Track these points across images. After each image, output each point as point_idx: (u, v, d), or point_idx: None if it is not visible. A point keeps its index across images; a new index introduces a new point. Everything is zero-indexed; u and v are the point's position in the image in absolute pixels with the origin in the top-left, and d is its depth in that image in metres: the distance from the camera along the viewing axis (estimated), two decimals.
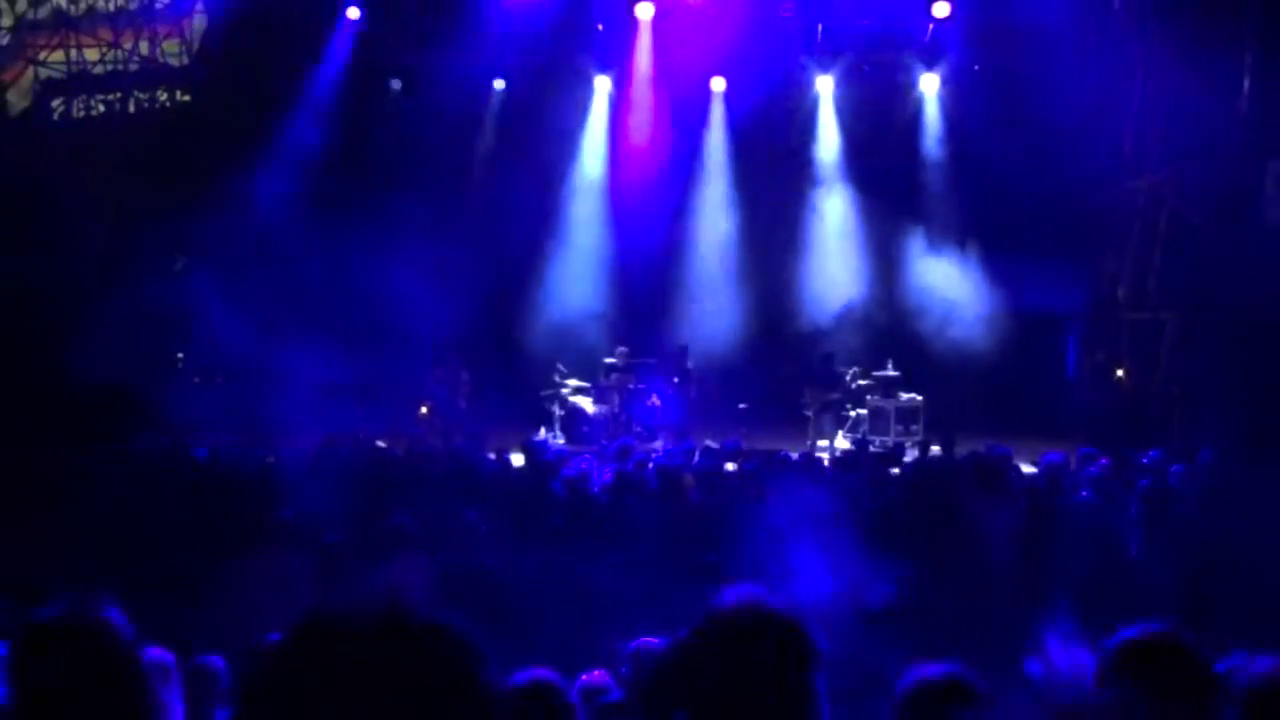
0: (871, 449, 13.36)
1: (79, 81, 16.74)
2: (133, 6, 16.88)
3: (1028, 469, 10.97)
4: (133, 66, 16.91)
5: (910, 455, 13.33)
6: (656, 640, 5.36)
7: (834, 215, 18.47)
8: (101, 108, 17.08)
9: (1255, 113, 12.33)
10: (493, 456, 10.98)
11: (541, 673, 3.78)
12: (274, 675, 1.21)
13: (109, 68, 16.82)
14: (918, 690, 2.95)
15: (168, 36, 17.27)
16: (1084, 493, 9.75)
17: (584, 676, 4.43)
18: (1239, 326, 13.29)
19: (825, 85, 18.55)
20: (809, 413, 15.85)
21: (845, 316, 17.73)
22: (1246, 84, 12.36)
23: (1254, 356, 12.97)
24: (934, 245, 17.68)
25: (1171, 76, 14.49)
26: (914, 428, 15.78)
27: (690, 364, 16.42)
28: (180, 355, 16.88)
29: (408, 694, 1.18)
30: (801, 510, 8.20)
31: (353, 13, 16.98)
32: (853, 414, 16.13)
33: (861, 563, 7.06)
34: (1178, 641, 2.93)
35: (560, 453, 12.12)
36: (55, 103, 16.89)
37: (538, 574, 7.02)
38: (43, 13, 16.71)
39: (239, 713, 1.25)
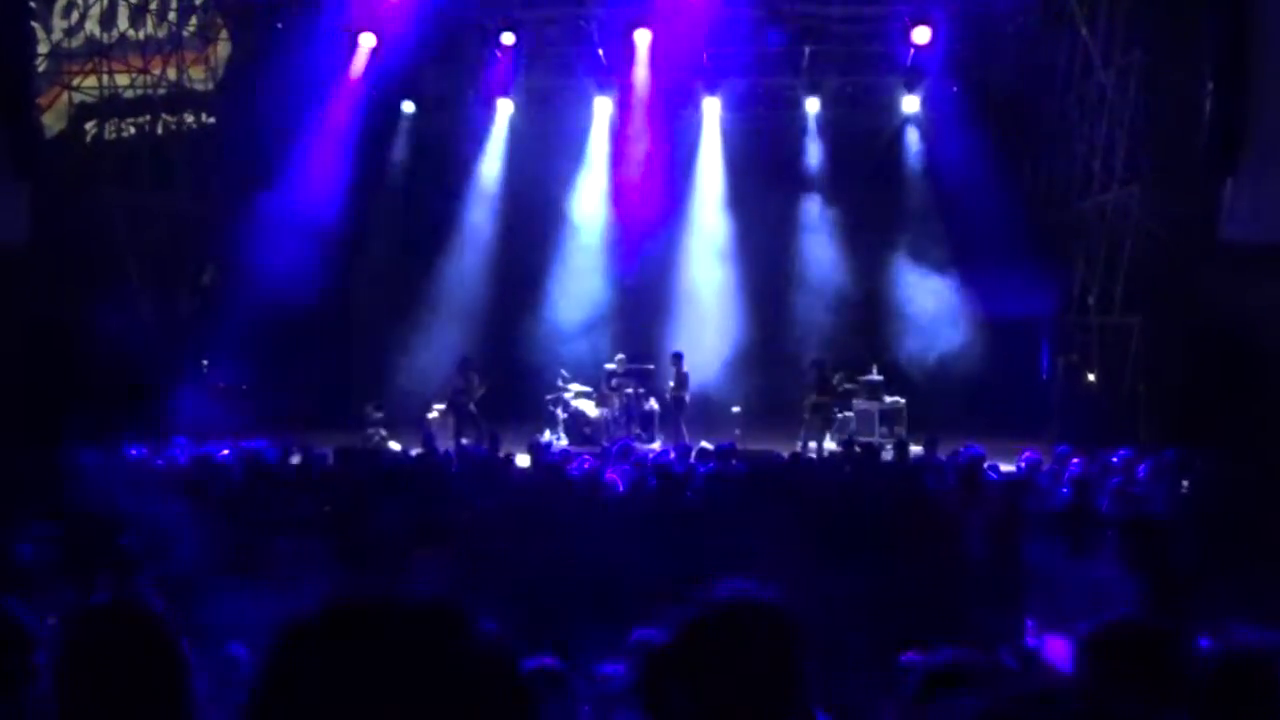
0: (855, 449, 13.27)
1: (111, 105, 16.71)
2: (161, 35, 16.87)
3: (1006, 467, 10.95)
4: (161, 91, 16.90)
5: (886, 455, 13.22)
6: (655, 631, 5.32)
7: (819, 230, 18.46)
8: (132, 130, 17.07)
9: (1213, 133, 12.44)
10: (500, 456, 10.98)
11: (547, 660, 3.79)
12: (288, 658, 1.19)
13: (139, 92, 16.80)
14: (926, 675, 2.94)
15: (194, 63, 17.26)
16: (1064, 490, 9.72)
17: (597, 667, 4.38)
18: (1200, 330, 13.44)
19: (812, 106, 18.57)
20: (806, 415, 15.66)
21: (832, 324, 17.70)
22: (1207, 106, 12.44)
23: (1214, 358, 13.12)
24: (915, 256, 17.66)
25: (1136, 100, 14.61)
26: (897, 429, 15.72)
27: (686, 369, 16.33)
28: (205, 362, 16.81)
29: (417, 679, 1.15)
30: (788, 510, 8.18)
31: (367, 39, 16.96)
32: (839, 416, 16.07)
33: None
34: (1148, 629, 2.94)
35: (563, 453, 12.11)
36: (89, 125, 16.88)
37: (547, 564, 6.98)
38: (76, 41, 16.70)
39: (257, 691, 1.19)
